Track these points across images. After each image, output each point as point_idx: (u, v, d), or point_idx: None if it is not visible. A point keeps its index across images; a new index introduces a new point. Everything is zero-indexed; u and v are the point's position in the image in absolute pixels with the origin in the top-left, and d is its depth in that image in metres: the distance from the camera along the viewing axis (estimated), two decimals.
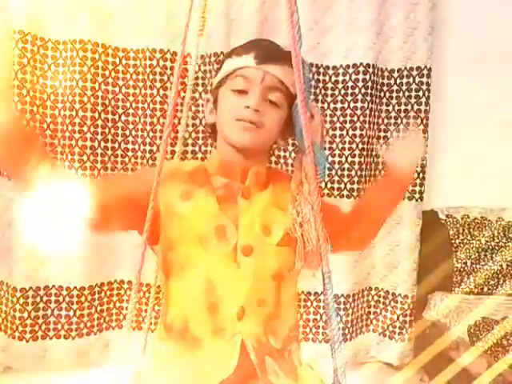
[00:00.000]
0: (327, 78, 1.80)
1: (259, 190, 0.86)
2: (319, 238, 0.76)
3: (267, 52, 0.83)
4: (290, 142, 1.79)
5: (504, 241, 1.75)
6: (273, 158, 1.76)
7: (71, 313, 1.68)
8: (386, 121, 1.84)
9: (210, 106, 0.89)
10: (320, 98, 1.80)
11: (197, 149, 1.75)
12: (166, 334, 0.84)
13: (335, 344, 0.69)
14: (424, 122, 1.78)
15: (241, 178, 0.85)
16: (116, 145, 1.73)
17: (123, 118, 1.74)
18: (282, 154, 1.77)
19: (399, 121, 1.81)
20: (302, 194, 0.84)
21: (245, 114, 0.81)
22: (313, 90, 1.76)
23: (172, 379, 0.79)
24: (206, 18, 0.71)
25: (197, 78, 1.73)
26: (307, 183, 0.83)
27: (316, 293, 1.77)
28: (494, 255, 1.73)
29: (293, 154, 1.76)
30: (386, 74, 1.82)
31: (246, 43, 0.88)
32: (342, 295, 1.77)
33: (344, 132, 1.78)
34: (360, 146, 1.76)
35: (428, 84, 1.77)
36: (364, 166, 1.78)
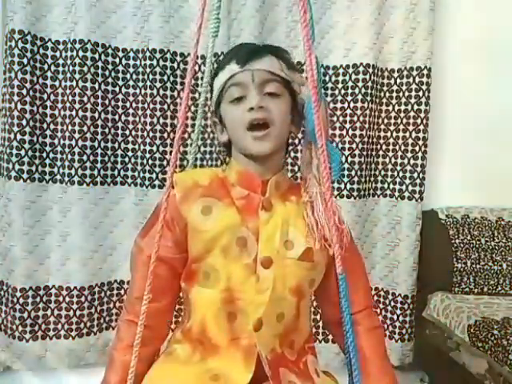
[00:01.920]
0: (327, 78, 1.80)
1: (281, 200, 0.86)
2: (334, 221, 0.76)
3: (245, 52, 0.84)
4: (291, 141, 1.79)
5: (504, 241, 1.75)
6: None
7: (71, 313, 1.68)
8: (386, 121, 1.84)
9: (219, 126, 0.89)
10: None
11: (196, 149, 1.74)
12: (183, 337, 0.86)
13: (350, 347, 0.69)
14: (424, 122, 1.78)
15: (261, 189, 0.85)
16: (116, 145, 1.73)
17: (123, 118, 1.74)
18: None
19: (399, 121, 1.81)
20: (312, 172, 0.84)
21: (251, 116, 0.81)
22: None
23: (186, 380, 0.81)
24: (220, 20, 0.71)
25: (196, 79, 1.73)
26: (316, 159, 0.83)
27: None
28: (493, 255, 1.73)
29: (292, 154, 1.76)
30: (386, 74, 1.82)
31: (225, 56, 0.90)
32: None
33: (344, 132, 1.78)
34: (360, 146, 1.76)
35: (428, 84, 1.77)
36: (364, 166, 1.78)
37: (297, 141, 1.68)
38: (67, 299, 1.68)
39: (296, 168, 1.76)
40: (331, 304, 0.91)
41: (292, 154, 1.77)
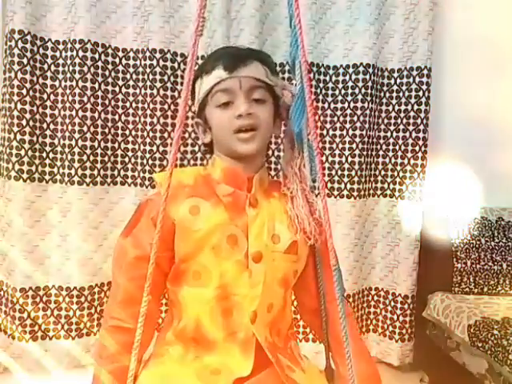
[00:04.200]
0: (327, 78, 1.80)
1: (264, 196, 0.89)
2: (312, 213, 0.85)
3: (232, 59, 0.84)
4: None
5: (504, 241, 1.75)
6: (272, 159, 1.76)
7: (71, 313, 1.68)
8: (386, 121, 1.84)
9: (202, 127, 0.90)
10: (320, 97, 1.80)
11: (196, 149, 1.75)
12: (175, 338, 0.86)
13: (344, 335, 0.71)
14: (424, 122, 1.78)
15: (246, 186, 0.87)
16: (116, 145, 1.73)
17: (123, 118, 1.73)
18: (282, 154, 1.77)
19: (399, 121, 1.81)
20: (292, 169, 0.88)
21: (240, 123, 0.82)
22: (313, 90, 1.77)
23: (183, 379, 0.81)
24: (205, 18, 0.72)
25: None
26: (301, 160, 0.87)
27: None
28: (493, 255, 1.73)
29: (276, 153, 1.76)
30: (386, 74, 1.82)
31: (209, 59, 0.89)
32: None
33: (344, 132, 1.78)
34: (360, 146, 1.76)
35: (428, 84, 1.77)
36: (364, 166, 1.78)
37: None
38: (67, 299, 1.68)
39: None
40: (309, 293, 0.94)
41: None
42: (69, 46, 1.64)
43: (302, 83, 0.78)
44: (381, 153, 1.85)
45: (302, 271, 0.92)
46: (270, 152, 1.76)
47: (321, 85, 1.80)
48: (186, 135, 1.73)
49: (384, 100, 1.83)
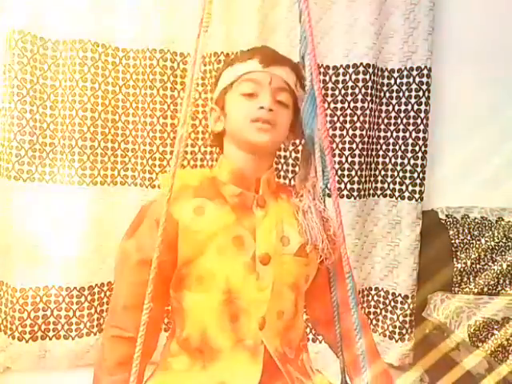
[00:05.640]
0: (327, 78, 1.80)
1: (273, 197, 0.87)
2: (323, 226, 0.83)
3: (270, 56, 0.86)
4: (291, 142, 1.79)
5: (504, 241, 1.75)
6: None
7: (71, 313, 1.68)
8: (386, 121, 1.83)
9: (216, 114, 0.89)
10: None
11: (196, 149, 1.74)
12: (179, 349, 0.83)
13: (359, 344, 0.69)
14: (424, 121, 1.78)
15: (254, 187, 0.86)
16: (116, 145, 1.73)
17: (123, 117, 1.73)
18: (282, 153, 1.77)
19: (399, 121, 1.81)
20: (306, 187, 0.86)
21: (260, 114, 0.82)
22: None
23: None
24: (211, 15, 0.72)
25: (196, 78, 1.73)
26: (316, 178, 0.85)
27: None
28: (494, 255, 1.73)
29: (293, 154, 1.76)
30: (385, 74, 1.82)
31: (247, 50, 0.92)
32: None
33: (344, 132, 1.78)
34: (360, 146, 1.76)
35: (428, 84, 1.77)
36: (364, 166, 1.78)
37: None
38: (67, 299, 1.68)
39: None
40: (321, 304, 0.92)
41: (293, 155, 1.77)
42: (69, 46, 1.64)
43: (311, 80, 0.77)
44: (381, 153, 1.85)
45: (313, 278, 0.89)
46: None
47: (321, 85, 1.80)
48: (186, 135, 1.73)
49: (384, 100, 1.83)
